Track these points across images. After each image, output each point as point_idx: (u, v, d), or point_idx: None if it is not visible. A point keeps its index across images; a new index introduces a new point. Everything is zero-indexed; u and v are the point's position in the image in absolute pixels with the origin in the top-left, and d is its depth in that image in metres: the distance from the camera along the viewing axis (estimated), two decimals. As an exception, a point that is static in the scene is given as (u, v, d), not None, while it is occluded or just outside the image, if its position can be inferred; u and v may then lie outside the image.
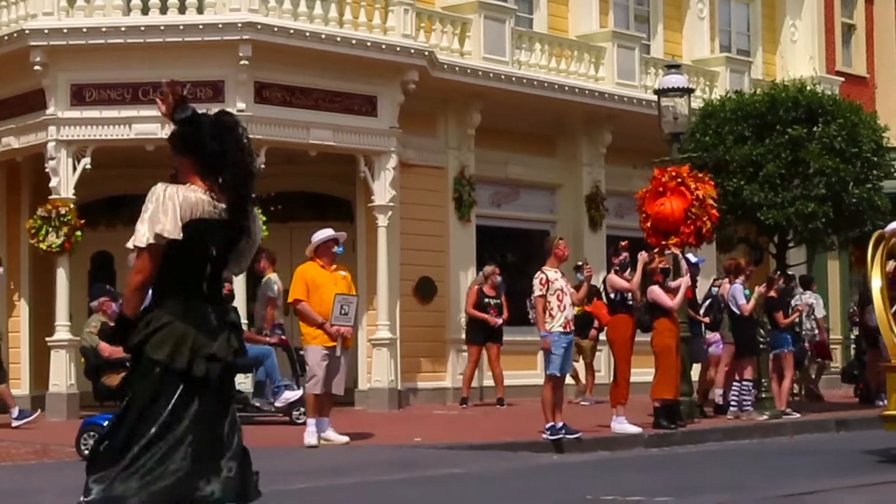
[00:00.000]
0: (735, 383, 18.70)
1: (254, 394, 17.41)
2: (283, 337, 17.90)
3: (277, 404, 17.19)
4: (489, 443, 15.11)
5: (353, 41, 20.04)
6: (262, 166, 19.04)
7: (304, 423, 15.16)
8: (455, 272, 22.34)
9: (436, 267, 22.20)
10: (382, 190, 20.50)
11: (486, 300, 20.59)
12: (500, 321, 20.46)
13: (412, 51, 20.68)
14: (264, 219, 18.54)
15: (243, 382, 17.32)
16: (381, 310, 20.43)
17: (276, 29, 19.18)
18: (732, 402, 18.69)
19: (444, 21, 22.45)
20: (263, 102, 19.39)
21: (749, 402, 18.65)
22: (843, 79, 29.34)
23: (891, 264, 10.85)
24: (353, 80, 20.31)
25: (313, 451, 14.35)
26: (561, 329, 14.84)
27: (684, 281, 17.24)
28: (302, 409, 16.44)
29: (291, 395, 17.15)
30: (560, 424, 14.98)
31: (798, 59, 29.21)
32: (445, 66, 21.64)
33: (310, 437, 14.59)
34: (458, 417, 19.09)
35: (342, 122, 20.13)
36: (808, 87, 21.53)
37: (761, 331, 18.89)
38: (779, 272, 20.37)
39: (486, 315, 20.38)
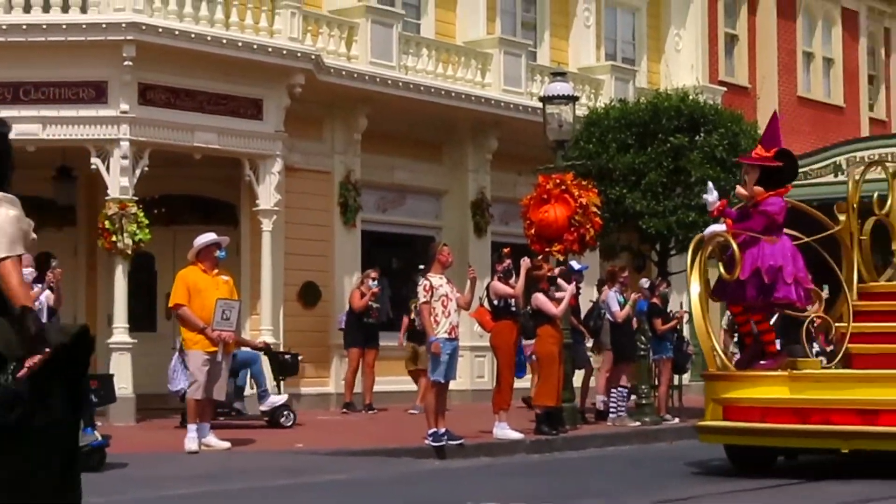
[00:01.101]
0: (612, 390, 18.92)
1: (234, 397, 17.50)
2: (267, 341, 18.37)
3: (263, 408, 17.52)
4: (372, 448, 15.11)
5: (240, 43, 19.89)
6: (146, 168, 18.91)
7: (292, 426, 15.57)
8: (340, 277, 22.29)
9: (320, 272, 22.13)
10: (267, 194, 20.38)
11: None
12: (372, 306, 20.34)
13: (299, 54, 20.59)
14: (147, 222, 18.49)
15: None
16: (264, 315, 20.31)
17: (160, 30, 18.97)
18: (611, 409, 18.90)
19: (332, 25, 22.39)
20: (147, 104, 19.16)
21: (624, 409, 18.88)
22: (725, 88, 29.76)
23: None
24: (238, 82, 20.16)
25: (194, 457, 14.23)
26: (446, 335, 14.89)
27: (570, 288, 17.38)
28: (288, 413, 17.36)
29: (277, 399, 17.61)
30: (443, 430, 15.02)
31: (682, 68, 29.57)
32: (332, 70, 21.59)
33: (190, 442, 14.47)
34: (342, 423, 19.05)
35: (227, 125, 19.97)
36: (691, 97, 21.83)
37: (642, 337, 19.11)
38: (660, 278, 20.60)
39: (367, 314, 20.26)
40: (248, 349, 17.73)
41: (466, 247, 24.09)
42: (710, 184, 11.15)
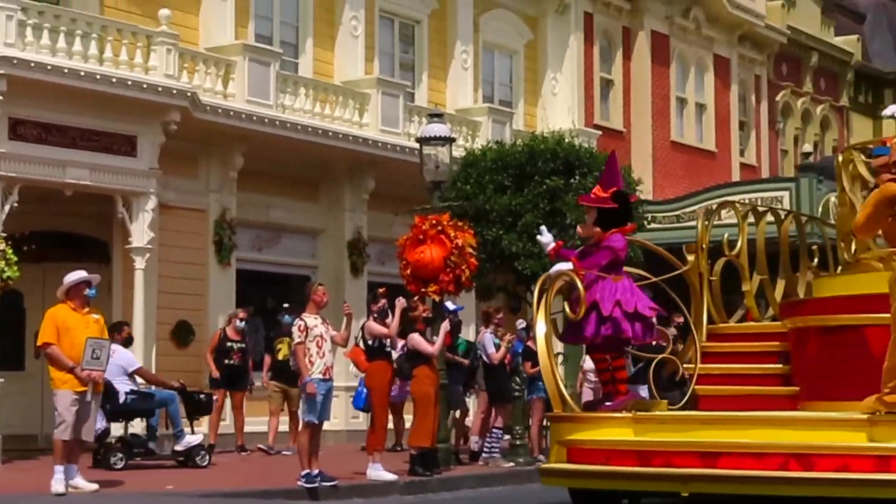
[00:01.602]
0: (492, 431, 18.93)
1: (147, 437, 17.59)
2: (182, 381, 18.29)
3: (178, 448, 17.44)
4: (243, 490, 14.91)
5: (114, 79, 19.65)
6: (16, 205, 18.56)
7: (208, 466, 15.58)
8: (214, 316, 22.04)
9: (194, 311, 21.89)
10: (140, 232, 20.11)
11: (229, 344, 20.13)
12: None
13: (174, 91, 20.40)
14: (16, 259, 18.11)
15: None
16: (136, 354, 19.96)
17: (32, 64, 18.65)
18: (485, 450, 18.92)
19: (208, 62, 22.23)
20: (18, 139, 18.81)
21: (498, 450, 18.90)
22: (600, 132, 30.08)
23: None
24: (112, 118, 19.90)
25: (61, 499, 13.93)
26: (320, 376, 14.79)
27: (443, 325, 17.38)
28: (203, 453, 17.46)
29: (193, 438, 17.59)
30: (316, 472, 14.90)
31: (558, 111, 29.88)
32: (208, 108, 21.43)
33: (57, 484, 14.15)
34: (213, 464, 18.76)
35: (100, 161, 19.69)
36: (567, 140, 22.04)
37: (517, 378, 19.16)
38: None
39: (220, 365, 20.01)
40: (163, 389, 17.80)
41: (342, 286, 24.00)
42: (543, 227, 11.12)
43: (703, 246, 11.61)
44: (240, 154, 22.48)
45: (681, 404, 10.93)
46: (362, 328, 16.67)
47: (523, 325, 19.96)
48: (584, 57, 30.98)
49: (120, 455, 16.96)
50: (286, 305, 20.40)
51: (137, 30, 20.59)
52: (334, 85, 24.81)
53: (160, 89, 20.15)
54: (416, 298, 17.66)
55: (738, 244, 12.16)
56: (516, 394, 19.18)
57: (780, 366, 11.28)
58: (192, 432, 17.95)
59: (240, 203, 22.77)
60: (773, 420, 9.55)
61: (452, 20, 27.92)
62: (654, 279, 11.29)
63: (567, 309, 9.93)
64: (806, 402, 10.72)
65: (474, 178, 21.27)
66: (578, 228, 10.65)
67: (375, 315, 16.35)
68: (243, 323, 20.13)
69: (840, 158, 11.75)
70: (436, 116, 19.93)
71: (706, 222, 11.90)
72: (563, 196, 20.77)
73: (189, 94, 20.72)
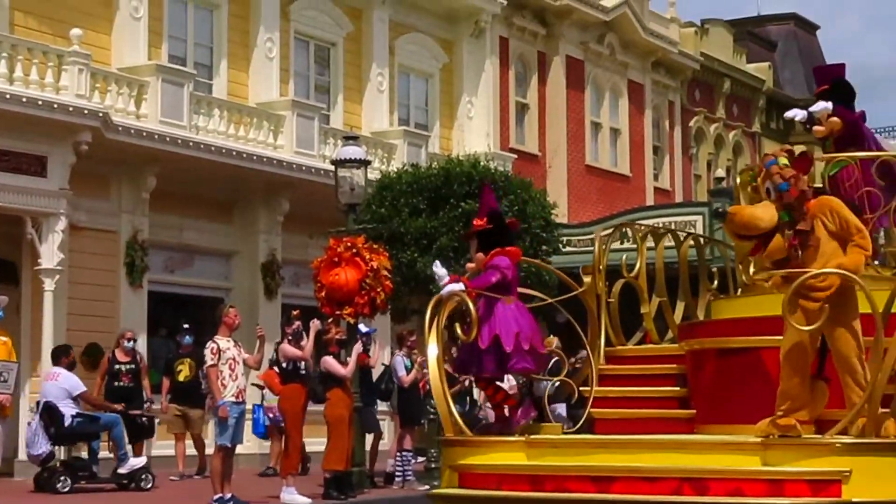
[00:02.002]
0: (398, 453, 18.85)
1: (90, 461, 17.68)
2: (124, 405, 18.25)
3: (122, 471, 17.46)
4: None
5: (24, 99, 19.38)
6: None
7: (151, 489, 16.01)
8: (125, 339, 21.74)
9: (105, 333, 21.51)
10: (50, 253, 19.82)
11: (118, 367, 19.28)
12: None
13: (86, 111, 20.16)
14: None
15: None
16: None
17: (-60, 83, 18.39)
18: (398, 472, 18.82)
19: (121, 82, 21.98)
20: (-76, 159, 18.52)
21: (411, 472, 18.83)
22: (515, 156, 30.18)
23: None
24: (22, 138, 19.62)
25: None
26: (233, 399, 14.66)
27: (356, 347, 17.29)
28: (146, 475, 17.46)
29: (136, 461, 17.63)
30: (229, 496, 14.76)
31: (474, 134, 29.93)
32: (120, 128, 21.19)
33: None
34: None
35: (9, 181, 19.39)
36: (482, 163, 22.06)
37: (432, 401, 19.07)
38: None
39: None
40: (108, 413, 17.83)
41: (256, 309, 23.82)
42: (437, 262, 10.99)
43: (601, 268, 11.49)
44: (152, 175, 22.26)
45: (576, 428, 10.82)
46: (276, 351, 16.54)
47: (438, 348, 19.85)
48: (499, 81, 31.08)
49: (65, 478, 16.95)
50: (186, 326, 20.17)
51: (48, 49, 20.35)
52: (249, 106, 24.65)
53: (71, 109, 19.90)
54: (330, 321, 17.55)
55: (637, 266, 12.08)
56: (432, 416, 19.10)
57: (678, 389, 11.20)
58: (134, 455, 17.99)
59: (152, 224, 22.53)
60: (667, 444, 9.43)
61: (368, 43, 27.89)
62: (549, 301, 11.10)
63: (459, 332, 9.72)
64: (702, 425, 10.63)
65: (389, 200, 21.21)
66: (467, 266, 10.49)
67: (290, 337, 16.23)
68: (132, 343, 19.64)
69: (738, 180, 11.70)
70: (351, 139, 19.88)
71: (603, 245, 11.81)
72: (478, 219, 20.71)
73: (101, 114, 20.49)
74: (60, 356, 17.79)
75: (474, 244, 10.13)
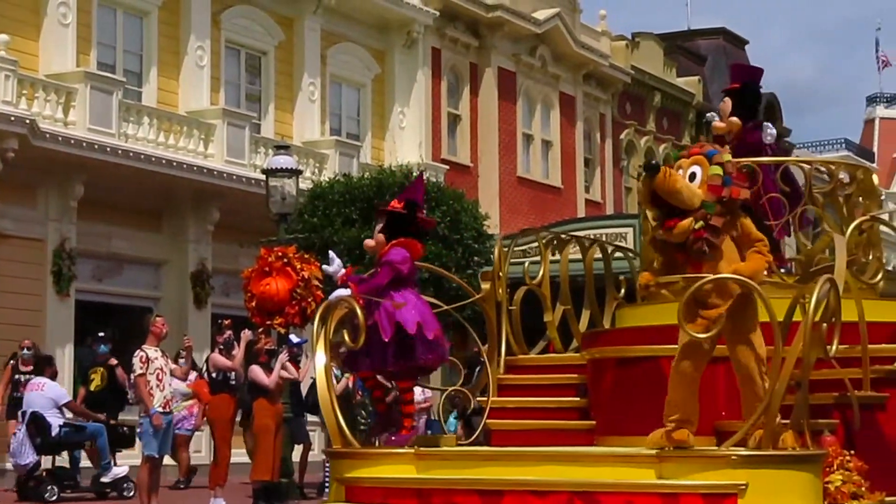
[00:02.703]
0: (327, 464, 18.68)
1: (72, 469, 17.82)
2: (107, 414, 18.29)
3: (105, 480, 17.66)
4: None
5: (-51, 104, 19.14)
6: None
7: (133, 498, 15.98)
8: (52, 348, 21.43)
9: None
10: (-25, 261, 19.55)
11: (17, 377, 18.85)
12: None
13: (12, 118, 19.93)
14: None
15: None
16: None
17: None
18: (327, 483, 18.64)
19: (48, 89, 21.72)
20: None
21: (337, 482, 18.65)
22: (448, 167, 30.16)
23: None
24: (-53, 144, 19.37)
25: None
26: (160, 409, 14.48)
27: (280, 357, 17.13)
28: (128, 484, 17.46)
29: (119, 470, 17.72)
30: (157, 508, 14.56)
31: (407, 145, 29.87)
32: (48, 136, 20.94)
33: None
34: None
35: (-67, 188, 19.14)
36: (415, 173, 21.97)
37: (363, 412, 18.96)
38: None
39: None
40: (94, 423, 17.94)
41: (186, 318, 23.62)
42: (331, 253, 10.74)
43: (500, 274, 11.19)
44: (80, 183, 22.01)
45: (471, 439, 10.56)
46: (206, 360, 16.38)
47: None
48: (431, 92, 31.05)
49: (52, 487, 17.06)
50: (101, 334, 19.89)
51: (-25, 54, 20.11)
52: (179, 115, 24.46)
53: (-2, 115, 19.66)
54: (260, 331, 17.40)
55: (540, 273, 11.78)
56: (362, 427, 18.96)
57: (578, 399, 10.91)
58: (115, 464, 18.07)
59: (80, 233, 22.29)
60: (560, 456, 9.11)
61: (299, 52, 27.77)
62: (445, 307, 10.75)
63: (346, 338, 9.37)
64: (602, 436, 10.37)
65: (322, 210, 21.13)
66: (366, 242, 10.16)
67: (221, 347, 16.08)
68: (30, 352, 19.31)
69: (667, 153, 11.39)
70: (282, 148, 19.78)
71: (505, 249, 11.55)
72: (410, 229, 20.66)
73: (28, 121, 20.25)
74: (44, 366, 17.85)
75: (381, 223, 9.85)
